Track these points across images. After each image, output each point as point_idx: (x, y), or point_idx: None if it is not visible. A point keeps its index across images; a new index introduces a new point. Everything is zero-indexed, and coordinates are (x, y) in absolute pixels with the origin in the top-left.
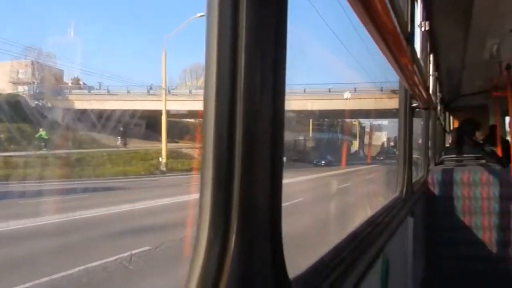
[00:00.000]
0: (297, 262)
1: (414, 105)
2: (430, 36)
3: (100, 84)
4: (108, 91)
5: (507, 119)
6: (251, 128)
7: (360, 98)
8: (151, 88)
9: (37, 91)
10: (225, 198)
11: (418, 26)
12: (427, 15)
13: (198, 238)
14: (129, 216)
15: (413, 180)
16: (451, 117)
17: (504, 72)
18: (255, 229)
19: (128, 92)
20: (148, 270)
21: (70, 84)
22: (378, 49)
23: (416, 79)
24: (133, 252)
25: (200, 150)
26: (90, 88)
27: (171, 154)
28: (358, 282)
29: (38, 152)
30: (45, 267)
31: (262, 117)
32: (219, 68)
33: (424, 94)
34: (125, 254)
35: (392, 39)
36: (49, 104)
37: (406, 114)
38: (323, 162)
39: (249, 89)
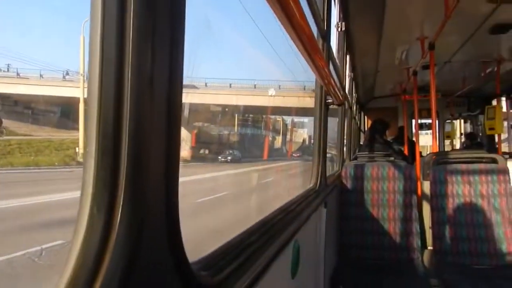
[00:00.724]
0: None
1: (329, 101)
2: (346, 37)
3: (8, 66)
4: (18, 74)
5: (414, 121)
6: (139, 105)
7: (284, 96)
8: (67, 74)
9: None
10: (110, 173)
11: (335, 26)
12: (344, 16)
13: (79, 214)
14: (40, 209)
15: (329, 173)
16: (365, 117)
17: (411, 77)
18: (146, 206)
19: (41, 76)
20: (60, 265)
21: None
22: (296, 48)
23: (331, 77)
24: (44, 246)
25: (84, 127)
26: None
27: None
28: (267, 266)
29: None
30: None
31: (155, 93)
32: (103, 55)
33: (339, 92)
34: (35, 249)
35: (307, 38)
36: None
37: (321, 110)
38: (229, 158)
39: (138, 77)
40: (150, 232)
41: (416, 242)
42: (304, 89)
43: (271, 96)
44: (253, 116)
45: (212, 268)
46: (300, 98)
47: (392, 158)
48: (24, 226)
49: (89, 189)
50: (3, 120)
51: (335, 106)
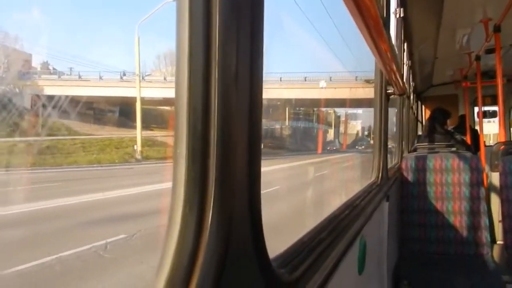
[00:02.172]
0: (275, 246)
1: (390, 91)
2: (404, 24)
3: (71, 69)
4: (80, 77)
5: (476, 109)
6: (226, 106)
7: (335, 88)
8: (124, 74)
9: (3, 76)
10: (200, 173)
11: (393, 12)
12: (402, 2)
13: (172, 214)
14: (103, 205)
15: (388, 166)
16: (423, 106)
17: (474, 62)
18: (233, 206)
19: (101, 78)
20: (123, 258)
21: (39, 69)
22: (360, 32)
23: (393, 65)
24: (109, 240)
25: (174, 127)
26: (60, 73)
27: (146, 142)
28: (337, 263)
29: (7, 139)
30: (18, 256)
31: (239, 92)
32: (191, 57)
33: (400, 81)
34: (101, 243)
35: (373, 23)
36: (17, 90)
37: (382, 101)
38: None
39: (224, 76)
40: (237, 230)
41: (485, 236)
42: (356, 79)
43: (322, 88)
44: (304, 110)
45: (288, 266)
46: (352, 89)
47: (454, 149)
48: (89, 221)
49: (181, 189)
50: (72, 117)
51: (395, 96)
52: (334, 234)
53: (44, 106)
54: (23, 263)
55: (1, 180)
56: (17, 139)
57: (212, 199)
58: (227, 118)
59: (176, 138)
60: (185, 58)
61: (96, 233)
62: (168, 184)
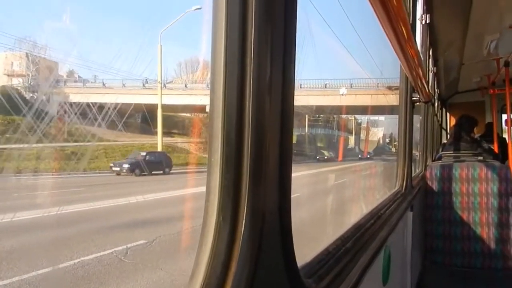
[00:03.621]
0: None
1: (415, 98)
2: (429, 30)
3: (95, 77)
4: (104, 84)
5: (504, 116)
6: (260, 116)
7: (356, 94)
8: (146, 82)
9: (32, 84)
10: (234, 182)
11: (419, 19)
12: (427, 8)
13: (205, 222)
14: (124, 210)
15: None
16: (447, 113)
17: (502, 69)
18: (264, 216)
19: (124, 85)
20: (143, 264)
21: (65, 77)
22: (387, 37)
23: (419, 71)
24: (129, 245)
25: (208, 135)
26: (85, 81)
27: (167, 149)
28: (362, 273)
29: (33, 145)
30: (42, 260)
31: (272, 101)
32: (227, 66)
33: (426, 88)
34: (121, 248)
35: (401, 28)
36: (44, 97)
37: (407, 108)
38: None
39: (258, 85)
40: (268, 240)
41: None
42: (377, 86)
43: (342, 95)
44: (324, 116)
45: (314, 275)
46: (373, 96)
47: (481, 158)
48: (111, 226)
49: (215, 197)
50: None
51: (420, 104)
52: (360, 244)
53: (69, 113)
54: (47, 267)
55: (27, 184)
56: (44, 144)
57: (245, 209)
58: (261, 128)
59: (210, 147)
60: (220, 68)
61: (117, 238)
62: (188, 191)
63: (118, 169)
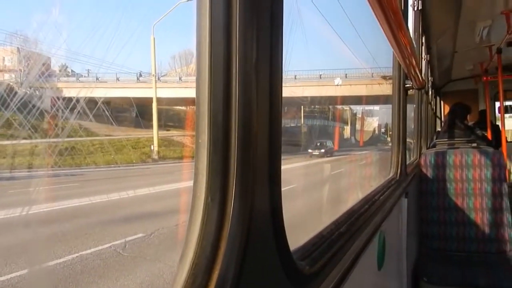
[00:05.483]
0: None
1: (408, 85)
2: (422, 17)
3: (88, 71)
4: (97, 78)
5: (497, 104)
6: (247, 96)
7: (351, 85)
8: (140, 75)
9: (24, 79)
10: (222, 163)
11: (411, 5)
12: None
13: (194, 203)
14: (121, 205)
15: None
16: (441, 102)
17: (495, 56)
18: (254, 197)
19: (118, 79)
20: (141, 257)
21: (58, 72)
22: (379, 24)
23: (412, 58)
24: (127, 239)
25: (196, 116)
26: (78, 75)
27: (163, 142)
28: (356, 257)
29: (29, 141)
30: (40, 255)
31: (259, 81)
32: (212, 45)
33: (419, 74)
34: (119, 241)
35: (393, 16)
36: (37, 92)
37: (400, 95)
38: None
39: (244, 65)
40: (258, 221)
41: (507, 233)
42: (372, 76)
43: (337, 85)
44: (320, 107)
45: (308, 258)
46: (368, 86)
47: (475, 144)
48: (109, 220)
49: (203, 178)
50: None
51: (413, 91)
52: (353, 228)
53: (63, 108)
54: (46, 262)
55: (23, 180)
56: (38, 140)
57: (234, 190)
58: (248, 108)
59: (197, 128)
60: (206, 47)
61: (115, 232)
62: (184, 184)
63: None
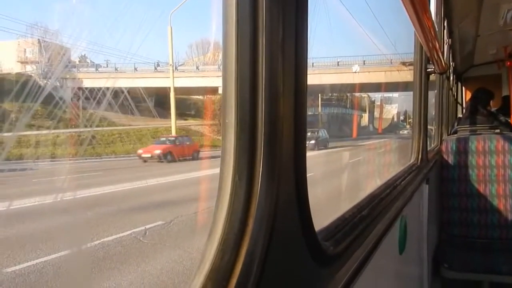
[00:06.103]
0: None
1: (430, 70)
2: (444, 0)
3: (107, 62)
4: (116, 69)
5: None
6: (273, 76)
7: (369, 71)
8: (158, 65)
9: (45, 70)
10: (249, 142)
11: None
12: None
13: (222, 182)
14: (142, 193)
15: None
16: (463, 88)
17: None
18: (280, 177)
19: (136, 69)
20: (161, 244)
21: (77, 62)
22: (404, 7)
23: (435, 42)
24: (147, 226)
25: (222, 97)
26: (98, 66)
27: (181, 132)
28: (378, 241)
29: (51, 131)
30: (64, 242)
31: (285, 61)
32: (238, 27)
33: (441, 59)
34: (140, 229)
35: None
36: (57, 83)
37: (422, 80)
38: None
39: (271, 46)
40: (284, 200)
41: None
42: (391, 62)
43: (355, 72)
44: (338, 95)
45: (332, 239)
46: (386, 73)
47: (498, 131)
48: (129, 208)
49: (231, 158)
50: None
51: (435, 76)
52: (375, 212)
53: (83, 98)
54: (70, 248)
55: (45, 170)
56: (60, 130)
57: (261, 169)
58: (274, 88)
59: (224, 108)
60: (232, 29)
61: (136, 220)
62: (203, 172)
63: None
